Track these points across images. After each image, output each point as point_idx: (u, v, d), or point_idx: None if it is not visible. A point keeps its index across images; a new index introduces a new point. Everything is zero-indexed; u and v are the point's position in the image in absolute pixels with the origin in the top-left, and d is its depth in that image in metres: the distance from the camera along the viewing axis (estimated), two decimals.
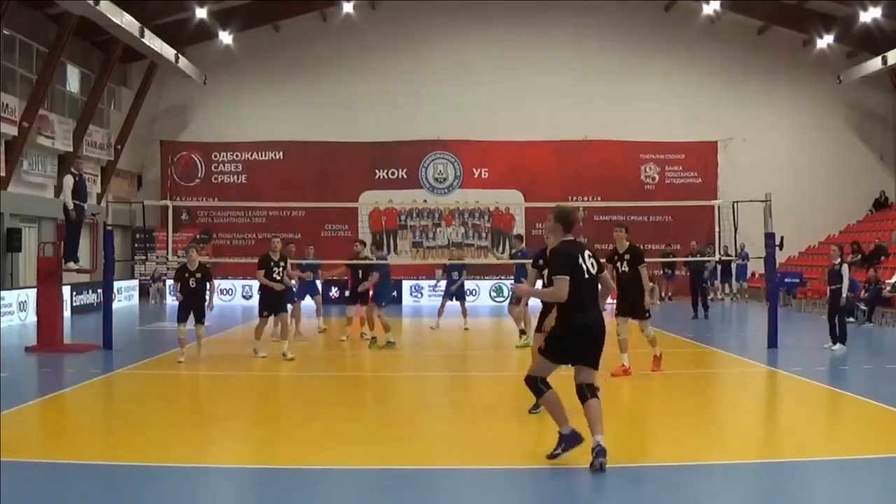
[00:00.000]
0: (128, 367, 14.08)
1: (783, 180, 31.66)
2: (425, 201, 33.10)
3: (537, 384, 7.88)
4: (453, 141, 33.51)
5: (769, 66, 33.53)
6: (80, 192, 15.73)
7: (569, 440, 7.79)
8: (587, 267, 7.73)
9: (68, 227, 15.88)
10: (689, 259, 24.52)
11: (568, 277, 7.63)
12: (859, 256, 26.44)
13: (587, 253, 7.81)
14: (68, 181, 15.61)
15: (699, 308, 23.88)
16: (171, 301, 30.51)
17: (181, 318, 14.93)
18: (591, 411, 7.68)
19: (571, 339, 7.81)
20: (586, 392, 7.77)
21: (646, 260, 13.17)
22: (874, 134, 34.51)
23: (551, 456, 7.79)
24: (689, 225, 30.67)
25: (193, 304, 14.89)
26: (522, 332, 16.27)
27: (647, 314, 13.07)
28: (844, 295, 15.87)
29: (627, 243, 12.96)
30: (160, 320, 24.72)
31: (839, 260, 16.00)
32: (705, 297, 24.27)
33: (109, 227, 16.30)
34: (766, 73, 33.60)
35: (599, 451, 7.46)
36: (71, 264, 16.14)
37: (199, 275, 14.83)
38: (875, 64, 30.73)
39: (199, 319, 15.04)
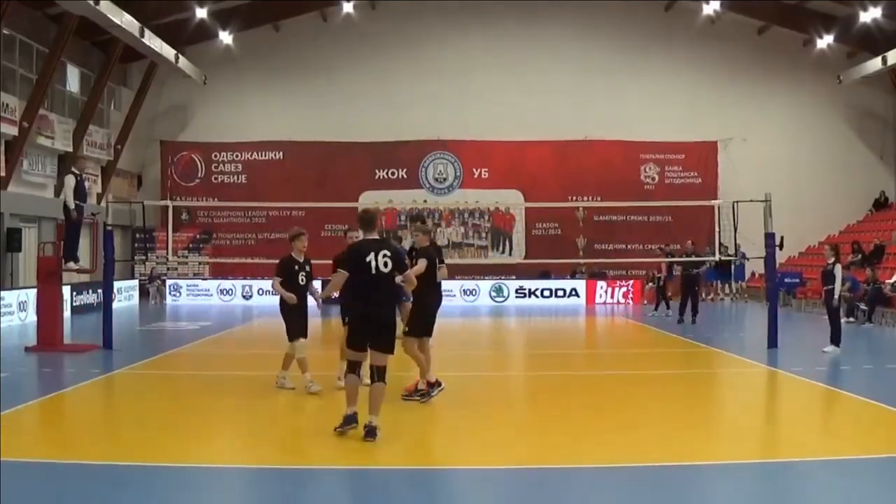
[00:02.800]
0: (128, 367, 14.06)
1: (783, 180, 31.67)
2: (425, 201, 33.09)
3: (352, 367, 8.82)
4: (453, 141, 33.50)
5: (769, 66, 33.55)
6: (80, 192, 15.70)
7: (348, 420, 8.72)
8: (376, 264, 8.55)
9: (68, 226, 15.84)
10: (683, 259, 23.05)
11: (346, 273, 8.67)
12: (859, 256, 26.45)
13: (383, 252, 8.60)
14: (69, 181, 15.58)
15: (687, 312, 22.12)
16: (172, 301, 30.53)
17: (298, 330, 11.37)
18: (374, 393, 8.62)
19: (359, 326, 8.74)
20: (374, 374, 8.64)
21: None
22: (874, 134, 34.53)
23: (338, 430, 8.68)
24: (690, 225, 30.66)
25: (304, 308, 11.45)
26: None
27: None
28: (836, 296, 15.84)
29: (428, 243, 11.04)
30: (160, 320, 24.71)
31: (832, 260, 15.98)
32: (696, 302, 22.33)
33: (109, 227, 16.28)
34: (766, 73, 33.62)
35: (370, 430, 8.47)
36: (71, 264, 16.11)
37: (308, 268, 11.42)
38: (875, 64, 30.69)
39: (304, 331, 11.48)
